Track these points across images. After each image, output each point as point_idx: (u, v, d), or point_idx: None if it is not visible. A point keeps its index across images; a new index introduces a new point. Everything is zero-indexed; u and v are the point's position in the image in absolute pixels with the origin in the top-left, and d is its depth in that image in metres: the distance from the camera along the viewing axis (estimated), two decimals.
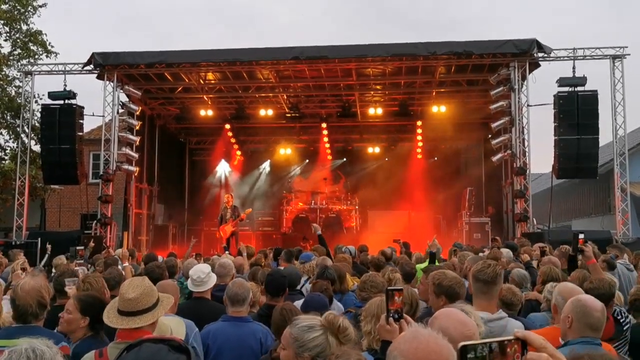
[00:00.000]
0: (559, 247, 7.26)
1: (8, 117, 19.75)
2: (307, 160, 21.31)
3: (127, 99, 16.07)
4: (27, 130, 16.97)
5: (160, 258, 8.75)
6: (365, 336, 3.16)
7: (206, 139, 21.50)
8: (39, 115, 16.67)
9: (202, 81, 17.26)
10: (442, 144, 20.08)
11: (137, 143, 16.35)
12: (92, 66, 15.24)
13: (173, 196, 20.40)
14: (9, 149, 20.67)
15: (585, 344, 3.02)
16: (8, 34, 20.05)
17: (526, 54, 14.20)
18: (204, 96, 18.24)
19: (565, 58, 14.30)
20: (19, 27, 20.05)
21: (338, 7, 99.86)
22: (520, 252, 8.16)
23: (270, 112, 18.19)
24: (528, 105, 14.36)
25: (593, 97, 13.53)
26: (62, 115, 14.91)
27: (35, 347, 2.09)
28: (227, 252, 10.33)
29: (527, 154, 14.52)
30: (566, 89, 13.82)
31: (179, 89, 17.86)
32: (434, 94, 17.52)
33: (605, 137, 15.13)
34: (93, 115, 15.63)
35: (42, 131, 15.49)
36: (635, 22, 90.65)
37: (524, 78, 14.49)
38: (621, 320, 4.18)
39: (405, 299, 2.80)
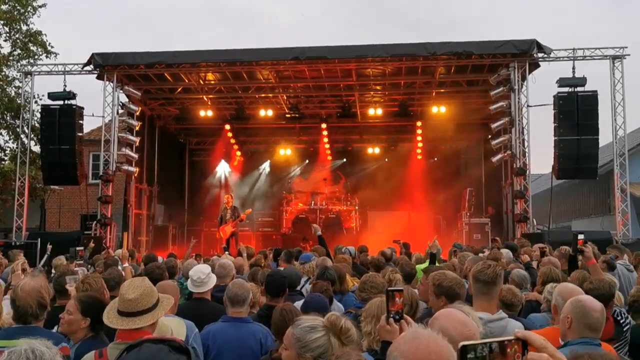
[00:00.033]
0: (559, 248, 7.26)
1: (8, 118, 19.77)
2: (307, 161, 21.30)
3: (127, 100, 16.07)
4: (26, 131, 16.97)
5: (160, 259, 8.76)
6: (365, 337, 3.16)
7: (206, 139, 21.50)
8: (38, 115, 16.66)
9: (202, 81, 17.26)
10: (442, 144, 20.08)
11: (137, 143, 16.35)
12: (91, 66, 15.23)
13: (173, 197, 20.39)
14: (8, 149, 20.71)
15: (584, 344, 3.02)
16: (8, 35, 20.07)
17: (526, 54, 14.20)
18: (204, 97, 18.23)
19: (565, 58, 14.31)
20: (18, 27, 20.07)
21: (338, 7, 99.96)
22: (520, 252, 8.17)
23: (270, 112, 18.18)
24: (528, 106, 14.35)
25: (593, 97, 13.53)
26: (62, 116, 14.90)
27: (34, 347, 2.09)
28: (227, 252, 10.33)
29: (527, 154, 14.51)
30: (566, 89, 13.82)
31: (179, 89, 17.86)
32: (433, 94, 17.51)
33: (605, 137, 15.16)
34: (93, 115, 15.65)
35: (41, 132, 15.49)
36: (635, 22, 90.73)
37: (523, 78, 14.49)
38: (621, 321, 4.18)
39: (405, 300, 2.80)
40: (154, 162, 18.50)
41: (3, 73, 19.53)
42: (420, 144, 19.66)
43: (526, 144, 14.53)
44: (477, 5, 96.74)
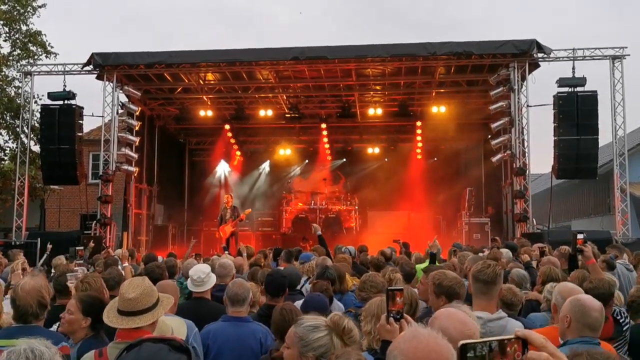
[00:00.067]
0: (558, 248, 7.26)
1: (7, 118, 19.78)
2: (307, 161, 21.31)
3: (127, 100, 16.07)
4: (26, 131, 16.96)
5: (160, 258, 8.76)
6: (365, 336, 3.16)
7: (206, 139, 21.50)
8: (38, 115, 16.67)
9: (201, 81, 17.25)
10: (442, 144, 20.07)
11: (137, 143, 16.35)
12: (91, 66, 15.23)
13: (173, 196, 20.38)
14: (8, 149, 20.72)
15: (583, 343, 3.02)
16: (8, 35, 20.08)
17: (526, 54, 14.20)
18: (204, 97, 18.23)
19: (565, 58, 14.31)
20: (18, 27, 20.08)
21: (338, 7, 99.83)
22: (520, 252, 8.17)
23: (269, 112, 18.18)
24: (528, 106, 14.36)
25: (593, 97, 13.54)
26: (62, 116, 14.90)
27: (34, 347, 2.09)
28: (226, 252, 10.32)
29: (526, 154, 14.52)
30: (566, 89, 13.82)
31: (179, 89, 17.85)
32: (433, 94, 17.51)
33: (604, 137, 15.17)
34: (92, 115, 15.65)
35: (41, 131, 15.49)
36: (635, 22, 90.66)
37: (523, 78, 14.49)
38: (621, 321, 4.18)
39: (405, 299, 2.81)
40: (153, 162, 18.51)
41: (3, 73, 19.53)
42: (420, 144, 19.67)
43: (526, 144, 14.54)
44: (477, 5, 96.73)
